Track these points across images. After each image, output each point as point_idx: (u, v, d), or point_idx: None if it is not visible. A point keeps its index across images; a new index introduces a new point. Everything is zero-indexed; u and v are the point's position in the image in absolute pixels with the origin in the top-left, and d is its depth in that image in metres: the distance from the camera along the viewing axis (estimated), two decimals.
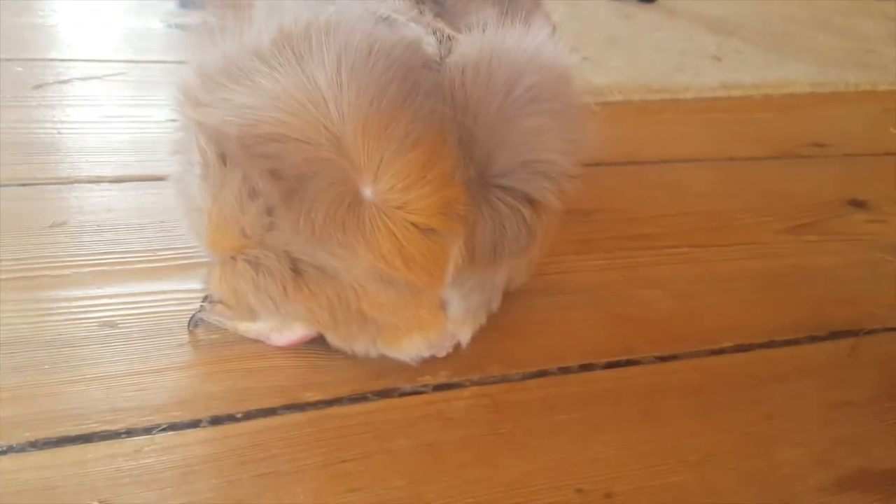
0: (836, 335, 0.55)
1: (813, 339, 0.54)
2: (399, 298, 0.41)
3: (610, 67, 0.98)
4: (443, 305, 0.43)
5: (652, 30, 1.16)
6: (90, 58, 0.80)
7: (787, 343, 0.53)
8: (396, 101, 0.36)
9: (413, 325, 0.43)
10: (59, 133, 0.65)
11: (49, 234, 0.53)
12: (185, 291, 0.49)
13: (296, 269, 0.40)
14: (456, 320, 0.44)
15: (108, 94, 0.74)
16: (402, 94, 0.36)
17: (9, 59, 0.77)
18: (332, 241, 0.37)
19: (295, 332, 0.45)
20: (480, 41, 0.43)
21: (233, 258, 0.41)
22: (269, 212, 0.39)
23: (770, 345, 0.53)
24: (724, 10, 1.32)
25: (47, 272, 0.49)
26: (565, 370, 0.48)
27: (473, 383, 0.45)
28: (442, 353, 0.46)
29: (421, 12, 0.52)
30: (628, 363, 0.49)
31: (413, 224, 0.37)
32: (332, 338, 0.44)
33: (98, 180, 0.60)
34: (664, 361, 0.50)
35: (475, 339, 0.47)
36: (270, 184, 0.37)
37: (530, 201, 0.41)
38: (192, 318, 0.46)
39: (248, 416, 0.41)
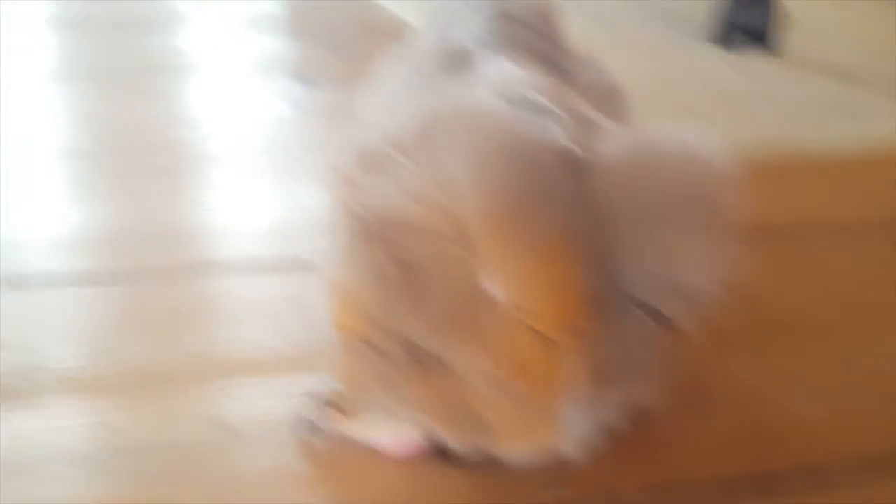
0: None
1: None
2: (511, 403, 0.39)
3: (726, 127, 0.94)
4: (556, 418, 0.40)
5: (771, 81, 1.11)
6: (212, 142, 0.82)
7: None
8: (527, 202, 0.35)
9: (522, 433, 0.40)
10: (180, 220, 0.66)
11: (169, 326, 0.53)
12: (302, 389, 0.47)
13: (415, 356, 0.39)
14: (568, 434, 0.41)
15: (231, 179, 0.75)
16: (533, 194, 0.35)
17: (138, 146, 0.79)
18: (448, 336, 0.36)
19: (406, 437, 0.43)
20: (626, 140, 0.42)
21: (355, 341, 0.41)
22: (392, 297, 0.38)
23: None
24: (852, 57, 1.25)
25: (166, 367, 0.49)
26: (699, 483, 0.44)
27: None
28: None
29: (561, 86, 0.50)
30: (773, 476, 0.45)
31: (531, 330, 0.35)
32: (444, 435, 0.42)
33: (217, 268, 0.60)
34: (808, 475, 0.45)
35: (600, 451, 0.44)
36: (393, 270, 0.36)
37: (663, 319, 0.38)
38: (300, 418, 0.44)
39: None
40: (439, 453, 0.43)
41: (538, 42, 0.58)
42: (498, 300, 0.35)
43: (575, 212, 0.36)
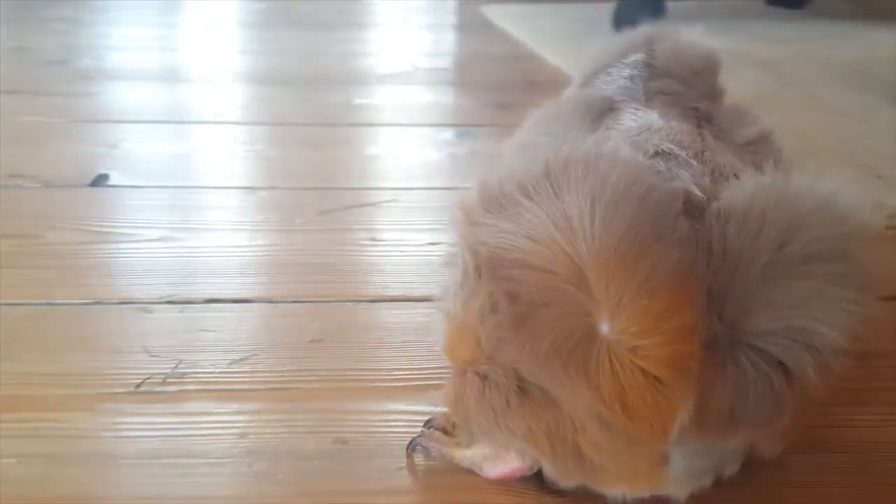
0: None
1: None
2: (616, 444, 0.39)
3: None
4: (663, 461, 0.40)
5: None
6: (370, 186, 0.89)
7: None
8: (644, 244, 0.35)
9: (626, 475, 0.41)
10: (331, 254, 0.72)
11: (307, 349, 0.58)
12: (416, 413, 0.51)
13: (521, 386, 0.40)
14: (674, 479, 0.41)
15: (380, 218, 0.80)
16: (651, 237, 0.35)
17: (303, 188, 0.87)
18: (556, 372, 0.37)
19: (508, 464, 0.45)
20: (756, 186, 0.41)
21: (464, 369, 0.43)
22: (504, 329, 0.39)
23: None
24: None
25: (298, 385, 0.54)
26: None
27: None
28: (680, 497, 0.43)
29: (702, 137, 0.52)
30: None
31: (641, 371, 0.35)
32: (547, 469, 0.43)
33: (358, 299, 0.65)
34: None
35: (705, 496, 0.44)
36: (507, 305, 0.37)
37: (784, 370, 0.37)
38: (411, 442, 0.47)
39: None
40: (538, 481, 0.45)
41: (685, 94, 0.60)
42: (609, 340, 0.35)
43: (691, 255, 0.36)
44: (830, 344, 0.37)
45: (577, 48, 1.56)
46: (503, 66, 1.48)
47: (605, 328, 0.35)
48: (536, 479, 0.45)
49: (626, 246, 0.35)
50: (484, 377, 0.42)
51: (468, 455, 0.46)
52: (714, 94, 0.63)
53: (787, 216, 0.39)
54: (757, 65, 1.43)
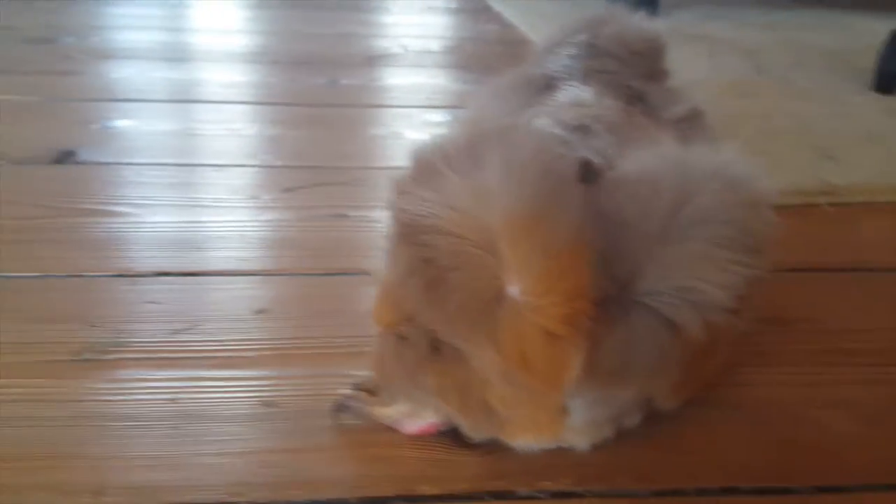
0: None
1: None
2: (519, 397, 0.42)
3: (857, 166, 0.90)
4: (563, 412, 0.43)
5: None
6: (344, 165, 0.90)
7: None
8: (544, 210, 0.37)
9: (530, 426, 0.44)
10: (293, 230, 0.74)
11: (251, 320, 0.59)
12: (346, 377, 0.52)
13: (434, 346, 0.43)
14: (575, 429, 0.44)
15: (349, 197, 0.82)
16: (551, 204, 0.38)
17: (272, 166, 0.89)
18: (464, 331, 0.40)
19: (425, 420, 0.47)
20: (652, 155, 0.44)
21: (388, 333, 0.45)
22: (419, 291, 0.41)
23: None
24: None
25: (236, 354, 0.55)
26: (702, 491, 0.44)
27: (594, 495, 0.44)
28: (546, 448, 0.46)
29: (629, 113, 0.55)
30: (783, 491, 0.44)
31: (540, 328, 0.37)
32: (460, 423, 0.46)
33: (310, 273, 0.66)
34: (825, 492, 0.44)
35: (609, 448, 0.46)
36: (422, 269, 0.40)
37: (671, 327, 0.40)
38: (337, 402, 0.49)
39: (362, 502, 0.43)
40: (454, 436, 0.47)
41: (622, 72, 0.62)
42: (515, 301, 0.37)
43: (585, 219, 0.38)
44: (715, 302, 0.40)
45: None
46: (495, 49, 1.49)
47: (512, 290, 0.37)
48: (452, 435, 0.47)
49: (529, 212, 0.37)
50: (401, 338, 0.44)
51: (388, 413, 0.48)
52: (654, 74, 0.64)
53: (679, 183, 0.41)
54: (739, 52, 1.44)
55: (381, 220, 0.76)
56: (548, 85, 0.60)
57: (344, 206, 0.79)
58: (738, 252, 0.41)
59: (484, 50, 1.49)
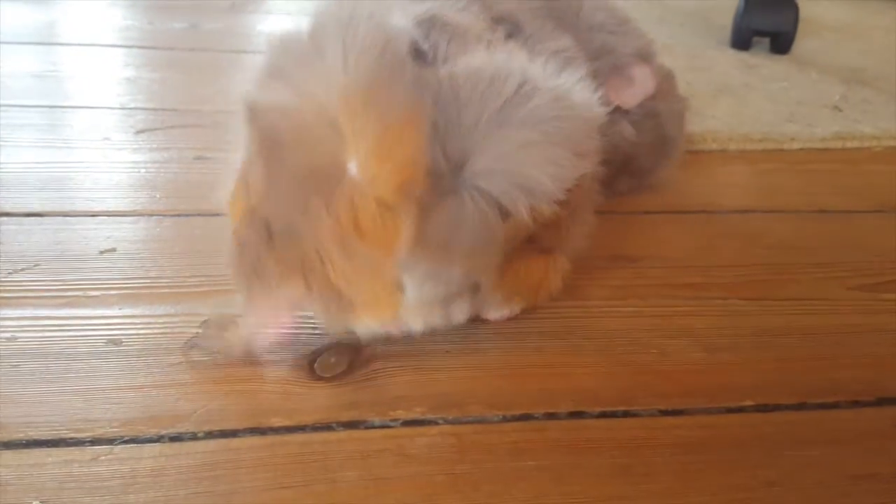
0: (885, 401, 0.49)
1: (855, 403, 0.49)
2: (358, 269, 0.42)
3: (710, 116, 0.94)
4: (398, 287, 0.44)
5: (774, 80, 1.11)
6: (193, 108, 0.86)
7: (821, 406, 0.48)
8: (381, 85, 0.39)
9: (370, 301, 0.44)
10: (147, 172, 0.71)
11: (97, 260, 0.57)
12: (197, 315, 0.51)
13: (269, 233, 0.43)
14: (409, 306, 0.45)
15: (208, 139, 0.79)
16: (387, 80, 0.40)
17: (125, 108, 0.84)
18: (302, 204, 0.41)
19: (275, 325, 0.47)
20: (497, 58, 0.46)
21: (236, 231, 0.45)
22: (259, 167, 0.43)
23: (800, 407, 0.48)
24: (863, 60, 1.24)
25: (81, 293, 0.53)
26: (551, 416, 0.45)
27: (447, 422, 0.44)
28: (395, 332, 0.47)
29: (492, 30, 0.55)
30: (625, 414, 0.46)
31: (374, 198, 0.39)
32: (313, 310, 0.46)
33: (152, 213, 0.64)
34: (666, 415, 0.46)
35: (463, 378, 0.47)
36: (266, 148, 0.41)
37: (499, 207, 0.41)
38: (189, 340, 0.48)
39: (210, 435, 0.42)
40: (309, 370, 0.47)
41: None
42: (349, 170, 0.39)
43: (421, 93, 0.40)
44: (544, 191, 0.41)
45: None
46: None
47: (349, 163, 0.39)
48: (307, 369, 0.47)
49: (364, 87, 0.39)
50: (242, 243, 0.44)
51: (239, 337, 0.47)
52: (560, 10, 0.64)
53: (519, 82, 0.43)
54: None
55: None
56: None
57: (201, 149, 0.76)
58: (568, 150, 0.43)
59: None
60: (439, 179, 0.40)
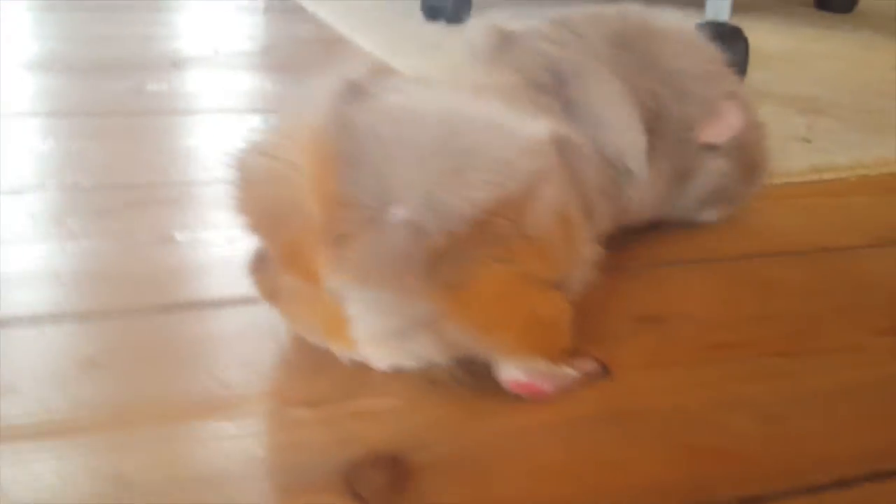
0: None
1: None
2: (307, 299, 0.47)
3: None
4: (344, 317, 0.45)
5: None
6: (161, 181, 0.80)
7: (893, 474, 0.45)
8: (314, 129, 0.44)
9: (327, 331, 0.48)
10: (111, 261, 0.64)
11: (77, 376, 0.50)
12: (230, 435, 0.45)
13: (260, 255, 0.51)
14: (362, 339, 0.46)
15: (173, 217, 0.73)
16: (319, 123, 0.44)
17: (78, 188, 0.78)
18: (257, 223, 0.48)
19: None
20: (429, 92, 0.49)
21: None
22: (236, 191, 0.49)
23: (874, 477, 0.45)
24: (815, 89, 1.25)
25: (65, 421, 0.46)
26: None
27: None
28: (375, 367, 0.48)
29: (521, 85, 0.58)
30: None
31: (314, 228, 0.43)
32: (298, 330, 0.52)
33: (128, 310, 0.57)
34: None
35: (521, 486, 0.42)
36: (245, 174, 0.49)
37: (414, 229, 0.42)
38: None
39: None
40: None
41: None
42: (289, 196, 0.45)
43: (346, 136, 0.44)
44: (458, 211, 0.42)
45: (389, 34, 1.53)
46: (311, 48, 1.42)
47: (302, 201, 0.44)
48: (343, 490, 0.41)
49: (311, 132, 0.45)
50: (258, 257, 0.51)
51: None
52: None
53: (443, 117, 0.45)
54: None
55: (215, 241, 0.68)
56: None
57: (169, 228, 0.70)
58: (489, 173, 0.43)
59: (300, 50, 1.42)
60: (354, 212, 0.42)
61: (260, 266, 0.51)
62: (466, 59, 0.65)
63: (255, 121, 1.01)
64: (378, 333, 0.46)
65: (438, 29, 1.60)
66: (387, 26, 1.60)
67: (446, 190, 0.42)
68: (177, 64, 1.25)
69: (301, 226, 0.44)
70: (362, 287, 0.44)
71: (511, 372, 0.47)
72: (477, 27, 0.66)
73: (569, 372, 0.49)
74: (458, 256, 0.42)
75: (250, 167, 0.47)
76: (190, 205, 0.76)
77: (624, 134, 0.59)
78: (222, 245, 0.68)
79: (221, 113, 1.05)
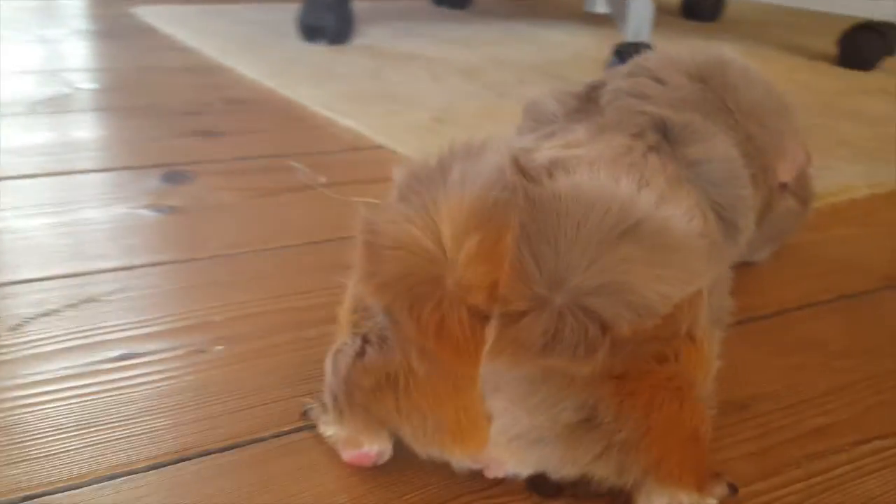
0: None
1: None
2: (439, 388, 0.40)
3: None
4: (485, 415, 0.40)
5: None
6: (78, 271, 0.66)
7: None
8: (478, 196, 0.39)
9: (454, 430, 0.41)
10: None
11: None
12: None
13: (365, 345, 0.42)
14: (500, 440, 0.41)
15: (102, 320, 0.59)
16: (484, 190, 0.39)
17: None
18: (390, 301, 0.40)
19: (358, 449, 0.45)
20: (601, 182, 0.43)
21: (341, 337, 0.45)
22: (361, 263, 0.41)
23: None
24: None
25: None
26: None
27: None
28: (491, 475, 0.43)
29: (629, 149, 0.52)
30: None
31: (462, 301, 0.38)
32: (402, 433, 0.43)
33: None
34: None
35: None
36: (368, 247, 0.41)
37: (600, 322, 0.38)
38: (304, 410, 0.48)
39: None
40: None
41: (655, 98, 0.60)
42: (440, 276, 0.38)
43: (515, 210, 0.39)
44: (649, 306, 0.38)
45: (269, 58, 1.40)
46: (187, 80, 1.27)
47: (440, 269, 0.38)
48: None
49: (467, 200, 0.39)
50: (338, 350, 0.44)
51: (329, 432, 0.46)
52: (703, 102, 0.61)
53: (622, 206, 0.40)
54: (459, 72, 1.38)
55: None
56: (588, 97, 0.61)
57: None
58: (681, 272, 0.40)
59: (174, 82, 1.27)
60: (532, 289, 0.37)
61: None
62: (538, 125, 0.58)
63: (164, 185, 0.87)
64: (520, 434, 0.41)
65: (322, 51, 1.49)
66: (263, 50, 1.47)
67: (640, 281, 0.38)
68: (34, 107, 1.08)
69: (452, 299, 0.38)
70: (521, 370, 0.39)
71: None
72: (541, 96, 0.63)
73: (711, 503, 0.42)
74: (632, 351, 0.39)
75: (385, 234, 0.40)
76: (87, 312, 0.63)
77: (736, 190, 0.56)
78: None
79: (110, 172, 0.89)
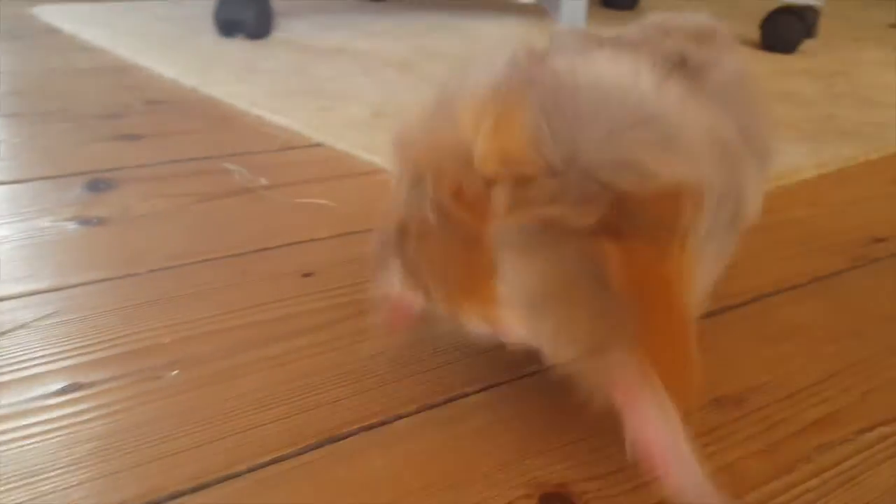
0: None
1: None
2: (452, 245, 0.42)
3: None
4: (491, 269, 0.41)
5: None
6: (3, 295, 0.59)
7: None
8: (497, 80, 0.41)
9: (468, 287, 0.42)
10: None
11: None
12: None
13: (400, 234, 0.44)
14: (509, 299, 0.41)
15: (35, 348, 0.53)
16: (502, 87, 0.41)
17: None
18: (414, 163, 0.43)
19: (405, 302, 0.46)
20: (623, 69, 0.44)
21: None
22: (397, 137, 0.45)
23: None
24: None
25: None
26: None
27: None
28: (502, 338, 0.44)
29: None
30: None
31: (479, 173, 0.39)
32: (429, 295, 0.44)
33: None
34: None
35: None
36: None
37: (603, 184, 0.38)
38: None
39: None
40: None
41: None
42: (460, 141, 0.40)
43: (531, 86, 0.41)
44: (650, 171, 0.39)
45: (187, 55, 1.32)
46: (102, 83, 1.18)
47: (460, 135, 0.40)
48: None
49: (484, 86, 0.41)
50: (379, 240, 0.46)
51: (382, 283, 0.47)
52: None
53: (641, 97, 0.42)
54: (391, 65, 1.34)
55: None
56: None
57: None
58: (688, 159, 0.41)
59: (86, 84, 1.18)
60: (546, 158, 0.39)
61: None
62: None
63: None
64: (526, 294, 0.41)
65: (241, 46, 1.43)
66: (179, 47, 1.39)
67: (651, 160, 0.39)
68: None
69: (470, 169, 0.40)
70: (527, 225, 0.40)
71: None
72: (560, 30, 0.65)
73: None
74: (632, 212, 0.39)
75: (418, 116, 0.44)
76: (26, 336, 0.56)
77: (759, 109, 0.58)
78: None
79: (30, 182, 0.82)
